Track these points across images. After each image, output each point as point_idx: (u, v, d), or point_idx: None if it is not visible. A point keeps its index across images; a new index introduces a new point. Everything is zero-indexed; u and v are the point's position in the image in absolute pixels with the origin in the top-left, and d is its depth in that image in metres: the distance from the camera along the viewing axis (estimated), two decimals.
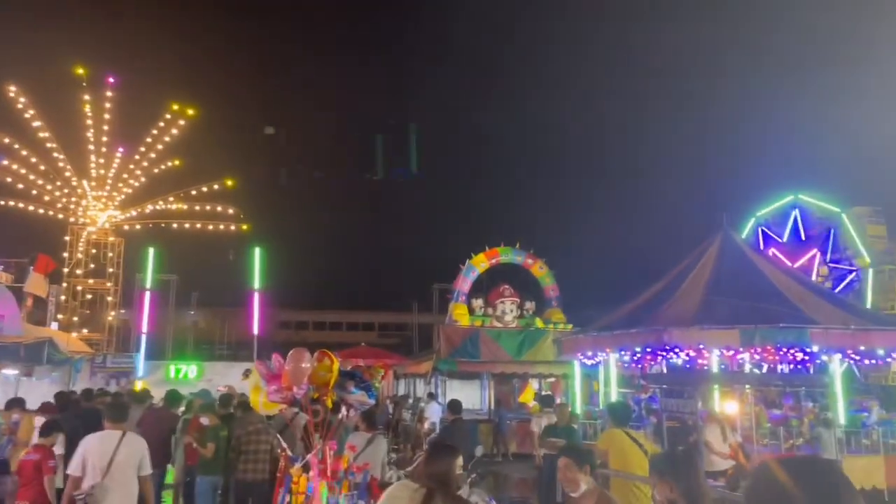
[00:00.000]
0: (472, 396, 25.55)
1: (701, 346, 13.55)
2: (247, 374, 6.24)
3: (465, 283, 22.89)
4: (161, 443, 9.01)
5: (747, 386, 12.29)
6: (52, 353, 13.44)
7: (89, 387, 16.11)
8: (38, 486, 6.21)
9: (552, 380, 25.26)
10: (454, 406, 9.88)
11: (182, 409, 10.09)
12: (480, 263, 23.16)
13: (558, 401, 22.51)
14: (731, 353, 14.63)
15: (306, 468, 4.89)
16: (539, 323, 22.59)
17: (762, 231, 27.72)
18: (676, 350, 14.53)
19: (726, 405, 11.61)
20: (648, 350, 14.79)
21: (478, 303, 22.73)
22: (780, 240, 26.87)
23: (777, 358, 15.02)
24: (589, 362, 17.37)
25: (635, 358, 16.22)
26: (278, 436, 5.38)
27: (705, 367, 16.68)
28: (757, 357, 15.47)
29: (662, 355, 15.62)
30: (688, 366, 17.27)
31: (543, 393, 26.65)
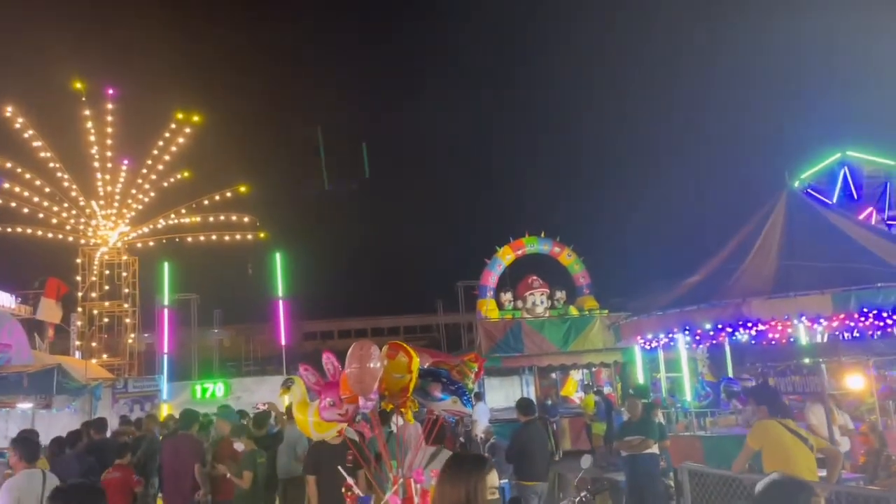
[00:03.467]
0: (514, 393, 24.29)
1: (786, 318, 11.99)
2: (287, 385, 4.87)
3: (491, 278, 21.66)
4: (182, 476, 7.62)
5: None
6: (65, 382, 12.12)
7: (109, 415, 14.90)
8: None
9: (593, 369, 23.91)
10: (525, 406, 8.44)
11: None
12: (506, 256, 21.96)
13: (606, 391, 21.25)
14: (816, 322, 13.06)
15: None
16: (573, 311, 21.19)
17: (809, 194, 26.05)
18: (750, 324, 13.05)
19: (847, 380, 10.06)
20: (720, 327, 13.33)
21: (506, 297, 21.50)
22: (829, 201, 25.14)
23: (868, 325, 13.49)
24: (649, 347, 15.91)
25: (697, 337, 14.81)
26: (339, 469, 3.93)
27: (773, 342, 15.21)
28: (841, 325, 13.94)
29: (729, 332, 14.16)
30: (753, 342, 15.78)
31: (586, 383, 25.36)
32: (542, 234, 22.38)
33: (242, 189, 27.45)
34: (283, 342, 22.73)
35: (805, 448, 4.87)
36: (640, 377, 16.12)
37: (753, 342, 15.82)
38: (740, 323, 12.87)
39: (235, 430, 7.81)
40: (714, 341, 15.74)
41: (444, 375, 3.74)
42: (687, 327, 13.77)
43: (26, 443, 5.61)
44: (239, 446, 7.37)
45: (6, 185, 25.32)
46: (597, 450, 16.37)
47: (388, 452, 3.83)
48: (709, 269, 15.04)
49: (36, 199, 25.91)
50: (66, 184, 26.45)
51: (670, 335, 14.48)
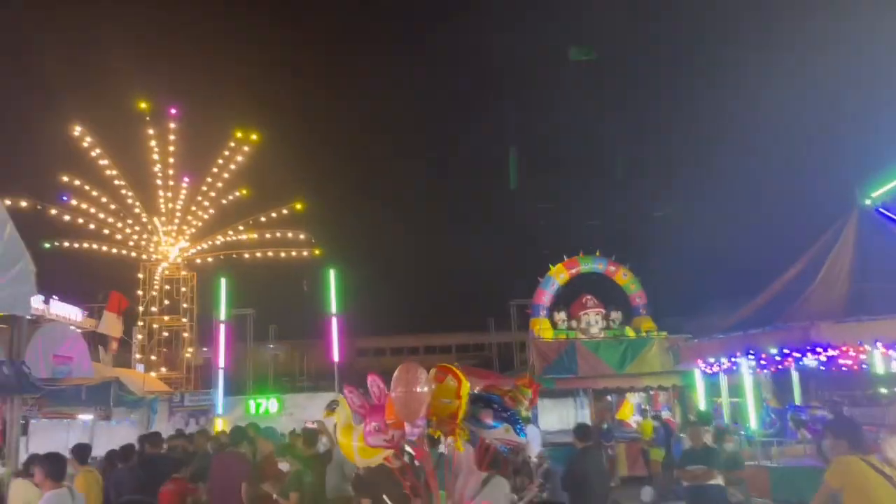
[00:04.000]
0: (567, 416, 23.73)
1: (860, 343, 11.33)
2: (332, 407, 4.69)
3: (545, 297, 21.17)
4: (229, 493, 7.52)
5: None
6: (122, 395, 12.29)
7: (165, 429, 15.08)
8: None
9: (651, 393, 23.19)
10: (583, 432, 8.10)
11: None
12: (559, 275, 21.43)
13: (664, 415, 20.52)
14: (892, 349, 12.31)
15: None
16: (630, 332, 20.57)
17: (880, 212, 24.86)
18: (820, 349, 12.37)
19: None
20: (786, 352, 12.71)
21: (560, 316, 20.96)
22: None
23: None
24: (710, 371, 15.29)
25: (762, 362, 14.17)
26: (385, 498, 3.74)
27: (845, 369, 14.42)
28: None
29: (797, 357, 13.48)
30: (822, 368, 15.04)
31: (643, 407, 24.56)
32: (598, 253, 21.87)
33: (298, 206, 27.89)
34: (335, 359, 22.73)
35: (891, 488, 4.45)
36: (700, 402, 15.46)
37: (823, 368, 15.07)
38: (808, 348, 12.25)
39: (279, 449, 7.70)
40: (780, 366, 15.09)
41: (495, 401, 3.52)
42: (751, 351, 13.21)
43: (53, 460, 5.34)
44: (284, 466, 7.25)
45: (73, 202, 26.29)
46: (654, 477, 15.80)
47: (435, 480, 3.62)
48: (774, 290, 14.45)
49: (101, 216, 26.86)
50: (129, 201, 27.37)
51: (733, 359, 13.90)
